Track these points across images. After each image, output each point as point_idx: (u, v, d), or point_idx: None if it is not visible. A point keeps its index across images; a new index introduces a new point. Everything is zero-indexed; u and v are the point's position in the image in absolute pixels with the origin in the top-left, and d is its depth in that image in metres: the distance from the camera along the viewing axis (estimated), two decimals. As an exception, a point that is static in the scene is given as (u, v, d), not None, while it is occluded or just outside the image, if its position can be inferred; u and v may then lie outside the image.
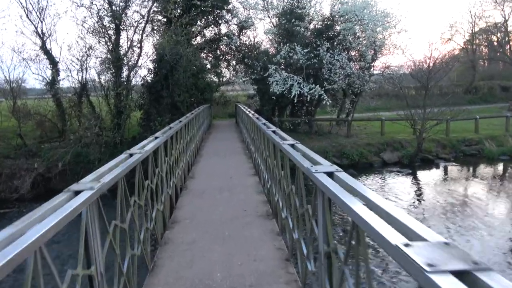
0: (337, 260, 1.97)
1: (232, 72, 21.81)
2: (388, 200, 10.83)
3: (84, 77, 16.02)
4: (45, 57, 15.95)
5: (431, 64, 18.73)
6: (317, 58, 15.94)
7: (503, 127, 18.37)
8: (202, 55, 19.99)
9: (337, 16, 17.79)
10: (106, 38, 15.49)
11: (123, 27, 15.87)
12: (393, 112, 18.49)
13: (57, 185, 12.48)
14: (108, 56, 15.25)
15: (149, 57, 16.13)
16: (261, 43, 20.24)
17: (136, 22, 16.42)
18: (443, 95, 22.72)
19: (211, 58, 20.96)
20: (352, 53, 18.09)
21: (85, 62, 15.82)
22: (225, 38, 19.43)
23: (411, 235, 1.15)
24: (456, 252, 0.99)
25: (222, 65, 21.32)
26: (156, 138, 4.39)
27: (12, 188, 12.62)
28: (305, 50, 15.82)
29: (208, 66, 20.00)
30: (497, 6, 33.19)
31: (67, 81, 16.33)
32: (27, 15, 15.87)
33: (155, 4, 16.80)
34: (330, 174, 2.05)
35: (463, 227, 9.15)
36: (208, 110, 17.34)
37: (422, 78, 18.15)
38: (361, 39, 17.93)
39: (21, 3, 15.89)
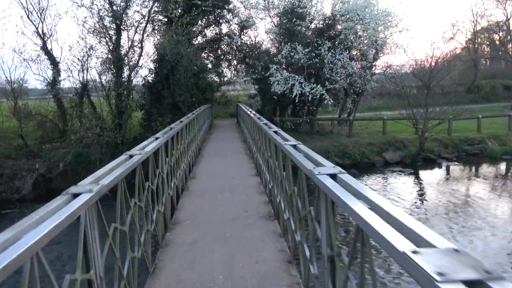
0: (340, 264, 1.93)
1: (233, 72, 21.80)
2: (393, 203, 10.78)
3: (85, 77, 16.05)
4: (46, 57, 15.95)
5: (433, 63, 18.67)
6: (318, 57, 15.89)
7: (505, 126, 18.29)
8: (203, 55, 19.97)
9: (338, 15, 17.74)
10: (107, 38, 15.48)
11: (124, 27, 15.86)
12: (395, 111, 18.45)
13: (58, 186, 12.46)
14: (109, 56, 15.25)
15: (150, 57, 16.14)
16: (262, 42, 20.23)
17: (137, 22, 16.44)
18: (445, 94, 22.64)
19: (212, 58, 20.94)
20: (354, 52, 18.03)
21: (86, 62, 15.85)
22: (226, 37, 19.39)
23: (419, 241, 1.11)
24: (467, 260, 0.95)
25: (223, 65, 21.31)
26: (156, 138, 4.35)
27: (14, 189, 12.62)
28: (307, 50, 15.78)
29: (209, 66, 19.97)
30: (499, 4, 33.03)
31: (68, 82, 16.37)
32: (27, 16, 15.89)
33: (155, 4, 16.78)
34: (333, 176, 2.01)
35: (466, 228, 9.10)
36: (209, 110, 17.31)
37: (424, 77, 18.08)
38: (362, 38, 17.88)
39: (22, 4, 15.90)
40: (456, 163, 15.63)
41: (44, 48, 15.87)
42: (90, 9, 15.43)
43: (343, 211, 1.67)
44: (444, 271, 0.90)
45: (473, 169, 15.25)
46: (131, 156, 3.15)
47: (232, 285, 2.95)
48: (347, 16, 17.10)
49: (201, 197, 5.55)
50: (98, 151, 13.65)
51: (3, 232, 1.41)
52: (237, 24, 20.10)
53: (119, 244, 2.47)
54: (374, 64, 18.69)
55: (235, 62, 21.23)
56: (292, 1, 17.70)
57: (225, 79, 22.09)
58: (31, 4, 16.03)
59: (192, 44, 17.15)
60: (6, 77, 17.43)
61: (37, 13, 15.97)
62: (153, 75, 15.29)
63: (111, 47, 15.37)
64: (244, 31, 20.13)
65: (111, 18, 15.45)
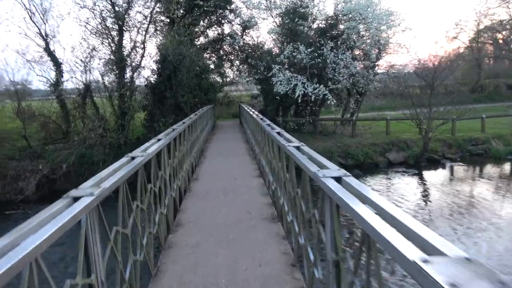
0: (346, 269, 1.89)
1: (235, 72, 21.75)
2: (397, 205, 10.72)
3: (87, 78, 16.05)
4: (49, 58, 15.95)
5: (436, 63, 18.57)
6: (321, 57, 15.84)
7: (510, 126, 18.13)
8: (205, 55, 19.93)
9: (340, 15, 17.68)
10: (109, 39, 15.48)
11: (126, 28, 15.85)
12: (398, 111, 18.35)
13: (62, 187, 12.49)
14: (112, 57, 15.25)
15: (152, 58, 16.11)
16: (265, 43, 20.17)
17: (139, 23, 16.41)
18: (449, 94, 22.51)
19: (214, 58, 20.91)
20: (356, 52, 17.95)
21: (89, 63, 15.84)
22: (228, 38, 19.37)
23: (429, 249, 1.07)
24: (481, 270, 0.91)
25: (225, 65, 21.28)
26: (159, 140, 4.33)
27: (17, 190, 12.65)
28: (309, 50, 15.73)
29: (212, 66, 19.95)
30: (502, 3, 32.85)
31: (71, 83, 16.37)
32: (30, 17, 15.87)
33: (158, 5, 16.77)
34: (338, 179, 1.97)
35: (470, 229, 9.02)
36: (212, 110, 17.30)
37: (428, 77, 17.98)
38: (365, 38, 17.80)
39: (25, 5, 15.92)
40: (460, 163, 15.53)
41: (47, 49, 15.88)
42: (92, 10, 15.44)
43: (348, 215, 1.63)
44: (457, 282, 0.86)
45: (477, 169, 15.14)
46: (133, 158, 3.12)
47: (235, 289, 2.92)
48: (350, 15, 17.04)
49: (204, 199, 5.52)
50: (101, 152, 13.66)
51: (2, 238, 1.39)
52: (239, 24, 20.07)
53: (121, 247, 2.44)
54: (377, 64, 18.60)
55: (237, 62, 21.21)
56: (294, 1, 17.66)
57: (228, 79, 22.04)
58: (33, 5, 16.07)
59: (194, 44, 17.13)
60: (10, 79, 17.47)
61: (39, 14, 15.99)
62: (155, 75, 15.29)
63: (113, 48, 15.38)
64: (246, 31, 20.09)
65: (114, 19, 15.45)
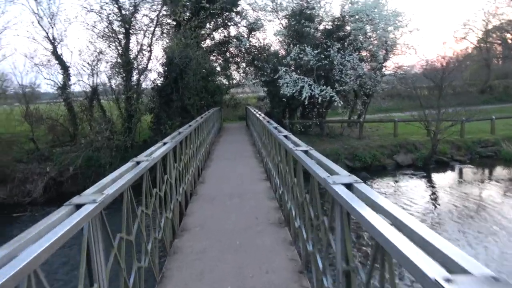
0: (357, 280, 1.82)
1: (242, 74, 21.74)
2: (405, 207, 10.57)
3: (95, 81, 16.14)
4: (57, 62, 16.09)
5: (444, 63, 18.35)
6: (327, 59, 15.74)
7: (520, 128, 17.86)
8: (212, 57, 19.94)
9: (347, 16, 17.56)
10: (116, 43, 15.55)
11: (133, 31, 15.93)
12: (405, 113, 18.13)
13: (69, 189, 12.57)
14: (118, 60, 15.31)
15: (158, 61, 16.14)
16: (271, 44, 20.11)
17: (146, 26, 16.49)
18: (457, 95, 22.26)
19: (220, 61, 20.92)
20: (363, 53, 17.83)
21: (96, 67, 15.93)
22: (235, 40, 19.34)
23: (451, 266, 0.99)
24: (509, 291, 0.83)
25: (231, 67, 21.27)
26: (164, 144, 4.28)
27: (25, 192, 12.73)
28: (316, 51, 15.65)
29: (218, 68, 19.95)
30: (511, 3, 32.45)
31: (78, 86, 16.48)
32: (38, 21, 16.04)
33: (164, 8, 16.81)
34: (349, 186, 1.90)
35: (480, 233, 8.85)
36: (218, 113, 17.27)
37: (436, 77, 17.77)
38: (372, 39, 17.67)
39: (33, 10, 16.08)
40: (469, 165, 15.30)
41: (54, 53, 16.02)
42: (99, 14, 15.54)
43: (360, 223, 1.56)
44: (485, 305, 0.78)
45: (487, 171, 14.90)
46: (138, 163, 3.07)
47: (241, 296, 2.85)
48: (356, 16, 16.92)
49: (210, 203, 5.46)
50: (108, 154, 13.69)
51: (0, 248, 1.34)
52: (245, 26, 20.05)
53: (124, 254, 2.38)
54: (384, 65, 18.45)
55: (243, 64, 21.18)
56: (301, 3, 17.59)
57: (234, 81, 22.03)
58: (41, 10, 16.23)
59: (200, 47, 17.13)
60: (18, 82, 17.63)
61: (47, 18, 16.14)
62: (162, 78, 15.31)
63: (120, 51, 15.44)
64: (253, 33, 20.06)
65: (120, 23, 15.53)
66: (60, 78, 16.22)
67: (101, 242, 2.02)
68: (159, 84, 15.33)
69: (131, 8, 15.71)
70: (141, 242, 2.94)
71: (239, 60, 21.16)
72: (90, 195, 2.01)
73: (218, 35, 20.70)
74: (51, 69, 16.35)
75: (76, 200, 1.91)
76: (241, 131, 16.97)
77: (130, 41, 15.82)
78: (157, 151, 3.75)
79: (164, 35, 18.09)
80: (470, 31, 35.44)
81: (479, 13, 42.08)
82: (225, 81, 20.58)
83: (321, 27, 18.46)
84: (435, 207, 10.88)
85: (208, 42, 20.34)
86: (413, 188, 12.77)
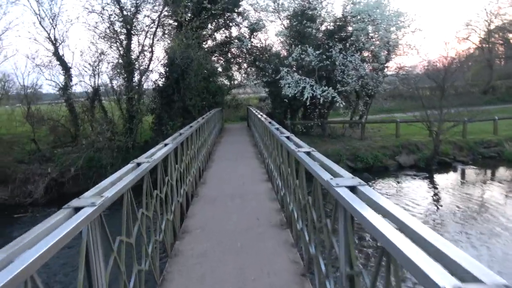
0: (360, 284, 1.78)
1: (243, 75, 21.72)
2: (408, 208, 10.51)
3: (96, 82, 16.15)
4: (58, 63, 16.09)
5: (446, 64, 18.28)
6: (329, 59, 15.70)
7: (523, 128, 17.77)
8: (213, 58, 19.93)
9: (349, 17, 17.51)
10: (118, 43, 15.54)
11: (134, 32, 15.92)
12: (407, 113, 18.06)
13: (70, 190, 12.56)
14: (120, 61, 15.30)
15: (160, 61, 16.15)
16: (273, 45, 20.10)
17: (147, 27, 16.48)
18: (459, 96, 22.16)
19: (222, 61, 20.90)
20: (365, 54, 17.78)
21: (97, 67, 15.93)
22: (236, 41, 19.32)
23: (461, 273, 0.95)
24: (525, 302, 0.80)
25: (233, 68, 21.27)
26: (165, 145, 4.24)
27: (26, 193, 12.73)
28: (317, 52, 15.60)
29: (219, 69, 19.94)
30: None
31: (79, 86, 16.49)
32: (40, 22, 16.07)
33: (165, 8, 16.81)
34: (352, 189, 1.86)
35: (483, 234, 8.80)
36: (220, 113, 17.24)
37: (438, 78, 17.69)
38: (374, 39, 17.61)
39: (34, 10, 16.09)
40: (472, 166, 15.22)
41: (56, 53, 16.02)
42: (101, 15, 15.54)
43: (364, 226, 1.52)
44: (499, 317, 0.74)
45: (490, 172, 14.82)
46: (138, 164, 3.03)
47: (243, 300, 2.82)
48: (358, 17, 16.86)
49: (212, 204, 5.43)
50: (109, 155, 13.67)
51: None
52: (247, 27, 20.01)
53: (124, 257, 2.35)
54: (386, 65, 18.40)
55: (245, 65, 21.16)
56: (302, 3, 17.55)
57: (236, 82, 22.02)
58: (43, 10, 16.25)
59: (202, 47, 17.11)
60: (20, 83, 17.65)
61: (49, 19, 16.17)
62: (163, 79, 15.30)
63: (121, 52, 15.44)
64: (254, 34, 20.02)
65: (122, 23, 15.52)
66: (61, 78, 16.25)
67: (100, 245, 1.98)
68: (160, 85, 15.32)
69: (132, 8, 15.71)
70: (141, 244, 2.90)
71: (240, 60, 21.14)
72: (89, 197, 1.98)
73: (219, 36, 20.71)
74: (53, 70, 16.40)
75: (74, 203, 1.88)
76: (242, 131, 16.94)
77: (132, 41, 15.83)
78: (158, 152, 3.72)
79: (166, 35, 18.10)
80: (472, 31, 35.38)
81: (481, 13, 41.94)
82: (226, 82, 20.58)
83: (323, 28, 18.42)
84: (438, 208, 10.82)
85: (209, 42, 20.33)
86: (415, 189, 12.70)
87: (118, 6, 15.41)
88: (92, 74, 15.94)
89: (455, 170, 14.88)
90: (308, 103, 15.92)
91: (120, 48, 15.54)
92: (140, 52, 15.83)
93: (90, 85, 16.09)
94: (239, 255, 3.61)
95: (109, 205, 2.08)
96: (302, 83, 15.54)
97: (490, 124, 17.92)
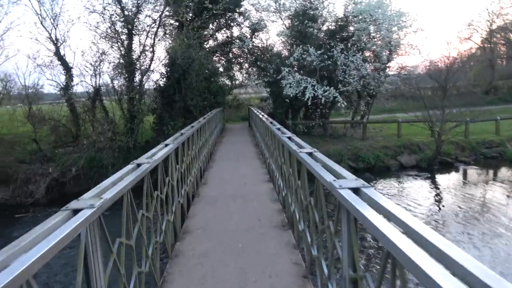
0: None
1: (244, 75, 21.68)
2: (409, 209, 10.46)
3: (97, 82, 16.13)
4: (59, 63, 16.07)
5: (448, 64, 18.22)
6: (331, 59, 15.65)
7: (526, 128, 17.69)
8: (215, 58, 19.89)
9: (350, 17, 17.47)
10: (119, 43, 15.52)
11: (136, 32, 15.89)
12: (409, 113, 18.01)
13: (71, 190, 12.55)
14: (121, 61, 15.28)
15: (161, 61, 16.12)
16: (274, 45, 20.04)
17: (148, 27, 16.46)
18: (461, 96, 22.09)
19: (223, 61, 20.87)
20: (367, 54, 17.74)
21: (98, 67, 15.91)
22: (238, 41, 19.29)
23: (471, 280, 0.91)
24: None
25: (234, 68, 21.22)
26: (166, 145, 4.21)
27: (27, 193, 12.72)
28: (319, 52, 15.57)
29: (221, 69, 19.92)
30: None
31: (80, 86, 16.48)
32: (41, 22, 16.04)
33: (167, 8, 16.78)
34: (356, 190, 1.82)
35: (486, 234, 8.76)
36: (221, 113, 17.22)
37: (440, 78, 17.64)
38: (375, 39, 17.57)
39: (35, 10, 16.09)
40: (474, 166, 15.17)
41: (57, 53, 16.01)
42: (102, 15, 15.52)
43: (368, 229, 1.48)
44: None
45: (492, 173, 14.76)
46: (139, 165, 3.00)
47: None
48: (360, 17, 16.81)
49: (213, 205, 5.40)
50: (110, 155, 13.65)
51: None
52: (248, 27, 19.97)
53: (124, 259, 2.32)
54: (387, 65, 18.35)
55: (246, 65, 21.12)
56: (304, 3, 17.51)
57: (237, 82, 21.99)
58: (44, 10, 16.25)
59: (203, 47, 17.09)
60: (21, 83, 17.66)
61: (50, 19, 16.14)
62: (164, 79, 15.26)
63: (123, 52, 15.41)
64: (256, 34, 19.99)
65: (123, 23, 15.49)
66: (62, 78, 16.23)
67: (99, 248, 1.95)
68: (161, 85, 15.29)
69: (133, 8, 15.69)
70: (141, 246, 2.87)
71: (242, 60, 21.10)
72: (88, 199, 1.95)
73: (221, 36, 20.68)
74: (54, 70, 16.39)
75: (73, 205, 1.85)
76: (243, 131, 16.91)
77: (133, 41, 15.80)
78: (159, 153, 3.69)
79: (167, 35, 18.08)
80: (474, 31, 35.28)
81: (483, 13, 41.90)
82: (227, 82, 20.54)
83: (324, 28, 18.38)
84: (439, 208, 10.77)
85: (211, 42, 20.31)
86: (417, 189, 12.66)
87: (119, 6, 15.39)
88: (93, 74, 15.95)
89: (457, 171, 14.83)
90: (309, 103, 15.88)
91: (121, 48, 15.52)
92: (141, 52, 15.81)
93: (91, 85, 16.10)
94: (240, 256, 3.58)
95: (109, 206, 2.05)
96: (303, 83, 15.50)
97: (492, 124, 17.86)
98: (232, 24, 20.02)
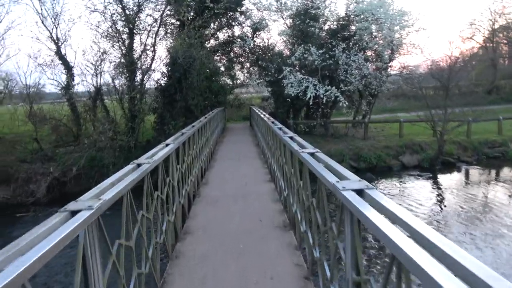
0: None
1: (246, 74, 21.64)
2: (411, 209, 10.42)
3: (98, 81, 16.12)
4: (60, 62, 16.05)
5: (451, 63, 18.13)
6: (332, 59, 15.61)
7: (528, 128, 17.60)
8: (216, 57, 19.86)
9: (352, 16, 17.41)
10: (120, 42, 15.49)
11: (137, 31, 15.84)
12: (411, 113, 17.95)
13: (72, 189, 12.54)
14: (122, 60, 15.25)
15: (162, 61, 16.06)
16: (275, 44, 19.96)
17: (149, 26, 16.41)
18: (463, 95, 21.98)
19: (224, 61, 20.84)
20: (369, 53, 17.67)
21: (99, 67, 15.90)
22: (239, 40, 19.25)
23: (477, 285, 0.88)
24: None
25: (236, 67, 21.17)
26: (167, 145, 4.18)
27: (28, 192, 12.71)
28: (320, 51, 15.52)
29: (222, 68, 19.88)
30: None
31: (81, 86, 16.47)
32: (42, 21, 16.02)
33: (168, 8, 16.74)
34: (360, 192, 1.79)
35: (488, 235, 8.71)
36: (222, 113, 17.18)
37: (442, 77, 17.55)
38: (377, 38, 17.50)
39: (37, 10, 16.07)
40: (476, 166, 15.11)
41: (58, 53, 15.99)
42: (103, 14, 15.49)
43: (372, 232, 1.45)
44: None
45: (494, 173, 14.70)
46: (139, 165, 2.97)
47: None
48: (362, 16, 16.75)
49: (214, 205, 5.37)
50: (111, 155, 13.63)
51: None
52: (249, 26, 19.91)
53: (124, 260, 2.29)
54: (389, 65, 18.28)
55: (248, 64, 21.07)
56: (305, 2, 17.45)
57: (238, 81, 21.94)
58: (45, 10, 16.25)
59: (204, 47, 17.05)
60: (22, 82, 17.65)
61: (51, 18, 16.12)
62: (165, 78, 15.23)
63: (124, 51, 15.38)
64: (257, 33, 19.93)
65: (124, 22, 15.46)
66: (63, 78, 16.20)
67: (98, 249, 1.92)
68: (162, 84, 15.26)
69: (135, 8, 15.65)
70: (141, 247, 2.84)
71: (243, 60, 21.06)
72: (87, 200, 1.91)
73: (222, 35, 20.64)
74: (55, 69, 16.37)
75: (71, 206, 1.82)
76: (245, 131, 16.87)
77: (134, 41, 15.75)
78: (159, 153, 3.65)
79: (168, 35, 18.05)
80: (476, 30, 35.14)
81: (485, 13, 41.63)
82: (229, 81, 20.50)
83: (326, 27, 18.32)
84: (441, 208, 10.72)
85: (212, 42, 20.27)
86: (419, 189, 12.61)
87: (120, 5, 15.35)
88: (94, 74, 15.94)
89: (459, 170, 14.77)
90: (311, 103, 15.84)
91: (122, 48, 15.49)
92: (142, 52, 15.78)
93: (92, 85, 16.09)
94: (241, 257, 3.54)
95: (109, 206, 2.02)
96: (305, 83, 15.46)
97: (495, 124, 17.79)
98: (233, 23, 19.98)
